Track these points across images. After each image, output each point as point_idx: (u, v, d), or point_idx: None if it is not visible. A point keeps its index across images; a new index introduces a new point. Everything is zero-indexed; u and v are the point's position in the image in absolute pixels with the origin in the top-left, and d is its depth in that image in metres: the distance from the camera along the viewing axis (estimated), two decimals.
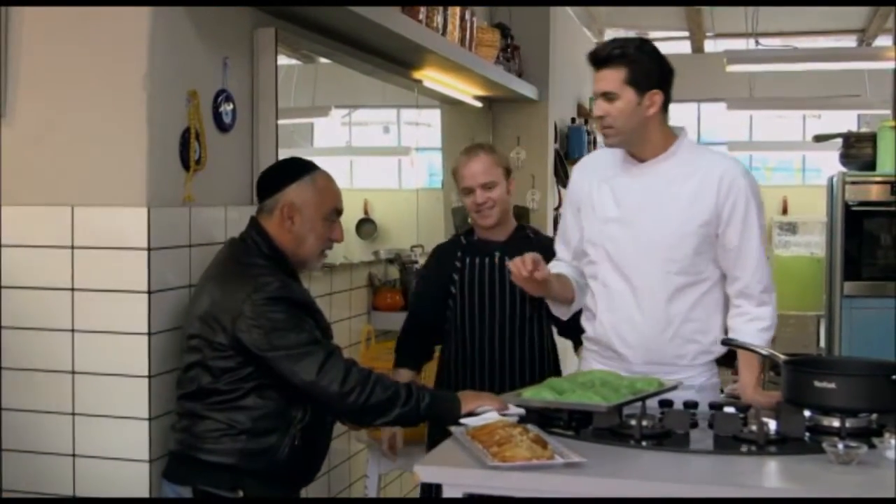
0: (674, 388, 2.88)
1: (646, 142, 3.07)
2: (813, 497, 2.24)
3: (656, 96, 3.00)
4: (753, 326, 3.04)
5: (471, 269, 3.65)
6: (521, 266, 3.01)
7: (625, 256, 3.08)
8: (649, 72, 3.00)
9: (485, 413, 2.78)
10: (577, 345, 3.53)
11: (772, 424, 2.64)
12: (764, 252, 3.10)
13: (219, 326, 2.74)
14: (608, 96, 2.99)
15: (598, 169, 3.21)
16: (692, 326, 3.08)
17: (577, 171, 3.30)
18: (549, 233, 6.78)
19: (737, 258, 3.05)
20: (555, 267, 3.26)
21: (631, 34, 10.60)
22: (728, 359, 3.26)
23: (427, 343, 3.81)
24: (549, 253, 3.34)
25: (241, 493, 2.77)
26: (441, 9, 4.78)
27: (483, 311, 3.63)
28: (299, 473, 2.91)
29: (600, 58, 3.00)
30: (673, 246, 3.03)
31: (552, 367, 3.73)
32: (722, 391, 3.29)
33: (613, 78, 2.98)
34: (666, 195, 3.05)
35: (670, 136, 3.10)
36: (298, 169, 2.97)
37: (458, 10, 5.08)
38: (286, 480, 2.86)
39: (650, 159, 3.08)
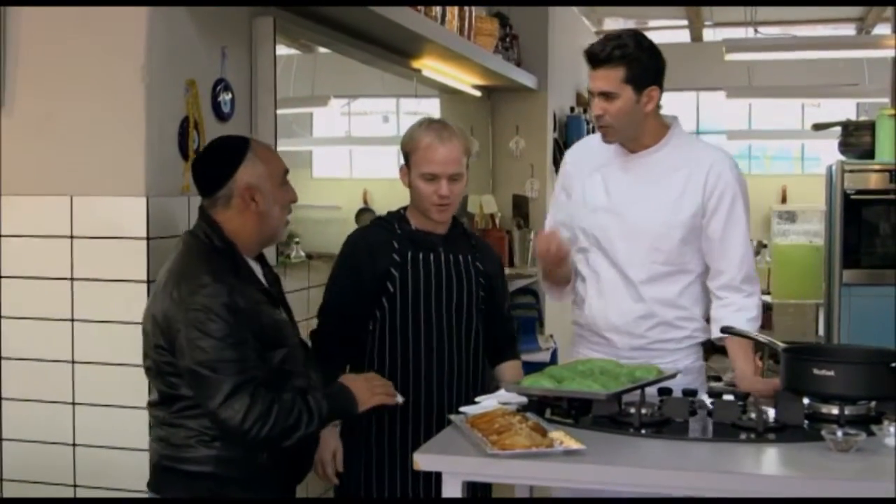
0: (673, 376, 2.90)
1: (642, 135, 3.10)
2: (814, 497, 2.25)
3: (654, 92, 3.03)
4: (741, 316, 3.07)
5: (414, 265, 3.13)
6: (547, 242, 3.05)
7: (613, 245, 3.12)
8: (647, 69, 3.01)
9: (484, 402, 2.79)
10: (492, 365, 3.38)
11: (770, 412, 2.65)
12: (749, 246, 3.12)
13: (158, 329, 2.57)
14: (607, 95, 2.99)
15: (590, 157, 3.23)
16: (677, 313, 3.13)
17: (570, 158, 3.34)
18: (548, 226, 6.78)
19: (721, 251, 3.08)
20: None
21: (630, 24, 10.58)
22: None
23: (348, 349, 3.18)
24: (480, 250, 3.30)
25: None
26: None
27: (430, 313, 3.14)
28: (285, 476, 2.76)
29: (599, 58, 2.99)
30: (661, 235, 3.07)
31: (483, 378, 3.31)
32: (720, 379, 3.30)
33: (612, 77, 2.98)
34: (656, 186, 3.08)
35: (663, 126, 3.13)
36: (237, 148, 2.72)
37: None
38: (272, 484, 2.71)
39: (643, 150, 3.10)
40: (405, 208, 3.25)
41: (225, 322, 2.51)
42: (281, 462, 2.69)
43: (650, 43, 3.05)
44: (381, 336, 3.16)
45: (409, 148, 3.15)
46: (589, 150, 3.27)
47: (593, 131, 8.14)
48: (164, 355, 2.57)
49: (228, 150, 2.74)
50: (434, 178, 3.08)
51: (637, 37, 3.04)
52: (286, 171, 2.79)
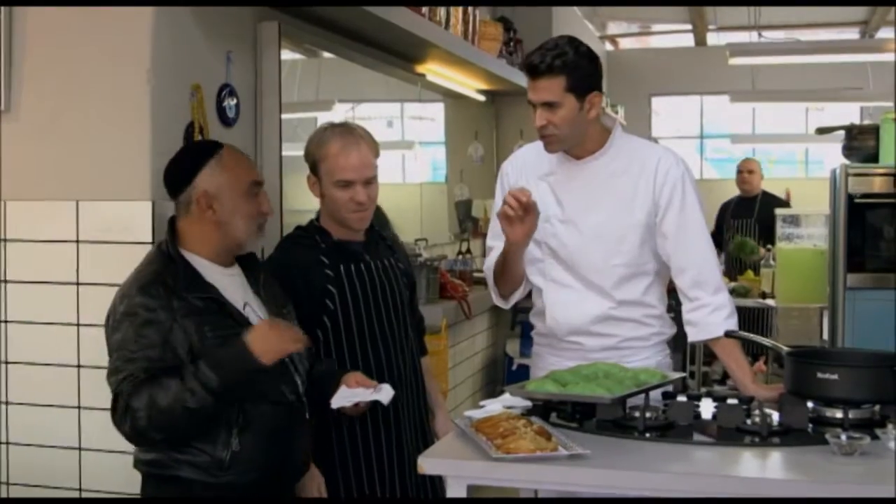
0: (678, 379, 2.90)
1: (586, 142, 3.05)
2: (818, 499, 2.25)
3: (595, 98, 2.98)
4: (718, 316, 3.03)
5: (349, 279, 3.01)
6: (519, 196, 2.88)
7: (571, 254, 3.08)
8: (587, 75, 2.95)
9: (489, 406, 2.79)
10: None
11: (775, 416, 2.65)
12: (709, 240, 3.09)
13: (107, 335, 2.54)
14: (550, 105, 2.94)
15: (531, 166, 3.16)
16: (644, 311, 3.11)
17: (511, 167, 3.24)
18: None
19: (681, 247, 3.04)
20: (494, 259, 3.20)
21: (633, 28, 10.60)
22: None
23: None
24: (396, 250, 3.23)
25: None
26: None
27: (372, 325, 3.04)
28: (264, 480, 2.59)
29: (540, 69, 2.93)
30: (619, 240, 3.05)
31: (421, 378, 3.25)
32: (724, 382, 3.29)
33: (554, 87, 2.92)
34: (607, 192, 3.05)
35: (605, 131, 3.09)
36: (201, 154, 2.63)
37: None
38: (255, 489, 2.57)
39: (588, 157, 3.07)
40: (317, 219, 3.10)
41: (137, 333, 2.43)
42: (249, 467, 2.54)
43: (588, 48, 3.00)
44: (326, 355, 3.00)
45: (317, 157, 3.02)
46: (529, 160, 3.19)
47: None
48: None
49: (192, 154, 2.66)
50: (349, 185, 2.98)
51: (574, 43, 2.98)
52: (256, 182, 2.66)
